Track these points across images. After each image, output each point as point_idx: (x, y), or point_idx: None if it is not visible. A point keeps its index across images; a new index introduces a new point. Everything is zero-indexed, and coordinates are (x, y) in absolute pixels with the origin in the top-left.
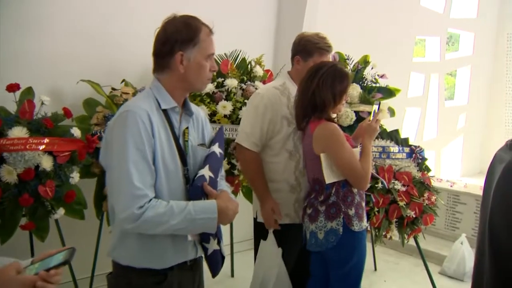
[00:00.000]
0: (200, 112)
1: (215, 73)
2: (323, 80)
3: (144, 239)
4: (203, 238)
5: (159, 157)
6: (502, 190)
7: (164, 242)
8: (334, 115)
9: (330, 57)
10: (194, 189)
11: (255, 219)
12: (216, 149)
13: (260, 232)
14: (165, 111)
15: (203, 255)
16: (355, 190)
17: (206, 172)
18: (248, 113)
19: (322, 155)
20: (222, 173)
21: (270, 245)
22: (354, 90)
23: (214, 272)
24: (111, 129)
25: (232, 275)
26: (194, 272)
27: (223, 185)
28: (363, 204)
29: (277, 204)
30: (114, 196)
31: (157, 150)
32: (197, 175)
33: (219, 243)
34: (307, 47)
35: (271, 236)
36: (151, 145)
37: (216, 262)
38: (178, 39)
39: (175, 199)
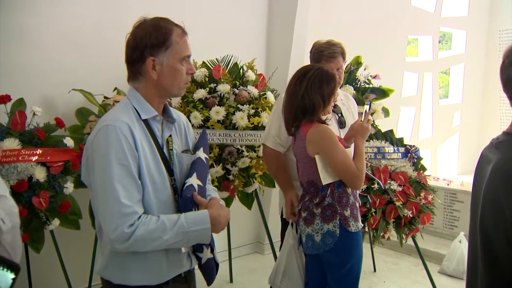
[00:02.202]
0: (182, 116)
1: (206, 79)
2: (311, 83)
3: (137, 255)
4: (196, 248)
5: (144, 170)
6: (491, 192)
7: (158, 256)
8: (324, 117)
9: (340, 62)
10: (184, 200)
11: (281, 215)
12: (202, 154)
13: (285, 228)
14: (145, 121)
15: (196, 265)
16: (349, 191)
17: (194, 180)
18: (274, 116)
19: (317, 157)
20: (208, 177)
21: (288, 236)
22: (348, 91)
23: (209, 280)
24: (91, 145)
25: (231, 281)
26: (188, 283)
27: (210, 189)
28: (357, 204)
29: (297, 195)
30: (101, 215)
31: (141, 163)
32: (185, 185)
33: (212, 250)
34: (315, 56)
35: (290, 228)
36: (135, 159)
37: (210, 270)
38: (147, 43)
39: (164, 211)
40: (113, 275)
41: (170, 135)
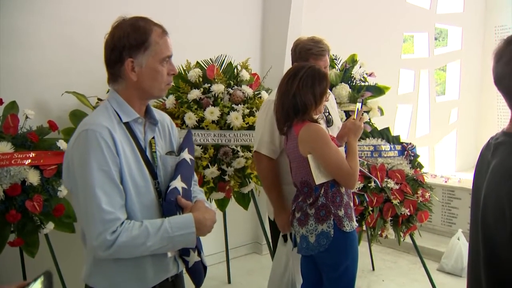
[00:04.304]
0: (165, 117)
1: (200, 79)
2: (303, 82)
3: (121, 261)
4: (183, 251)
5: (126, 175)
6: (492, 193)
7: (143, 262)
8: (316, 116)
9: (328, 60)
10: (168, 204)
11: (269, 218)
12: (186, 155)
13: (276, 230)
14: (127, 124)
15: (184, 269)
16: (343, 190)
17: (178, 183)
18: (265, 121)
19: (309, 156)
20: (195, 178)
21: (287, 248)
22: (343, 89)
23: (198, 283)
24: (71, 151)
25: (229, 282)
26: (176, 287)
27: (197, 191)
28: (351, 204)
29: (288, 219)
30: (83, 222)
31: (123, 168)
32: (169, 188)
33: (199, 253)
34: (302, 54)
35: (289, 241)
36: (117, 164)
37: (198, 273)
38: (126, 44)
39: (148, 215)
40: (98, 283)
41: (153, 137)
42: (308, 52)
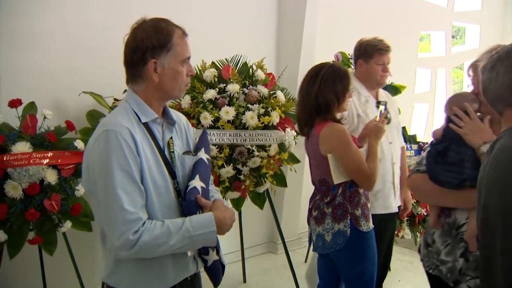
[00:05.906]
0: (182, 117)
1: (215, 79)
2: (324, 81)
3: (142, 261)
4: (202, 250)
5: (147, 175)
6: (493, 178)
7: (163, 261)
8: (339, 116)
9: (390, 57)
10: (188, 204)
11: None
12: (203, 155)
13: None
14: (146, 124)
15: (202, 268)
16: (361, 191)
17: (197, 183)
18: None
19: (329, 156)
20: (211, 177)
21: None
22: None
23: (216, 282)
24: (91, 151)
25: (244, 281)
26: (194, 286)
27: (213, 190)
28: (369, 204)
29: None
30: (105, 223)
31: (143, 167)
32: (189, 188)
33: (218, 252)
34: (368, 50)
35: None
36: (137, 164)
37: (217, 272)
38: (149, 45)
39: (168, 215)
40: (119, 282)
41: (171, 137)
42: (374, 48)
